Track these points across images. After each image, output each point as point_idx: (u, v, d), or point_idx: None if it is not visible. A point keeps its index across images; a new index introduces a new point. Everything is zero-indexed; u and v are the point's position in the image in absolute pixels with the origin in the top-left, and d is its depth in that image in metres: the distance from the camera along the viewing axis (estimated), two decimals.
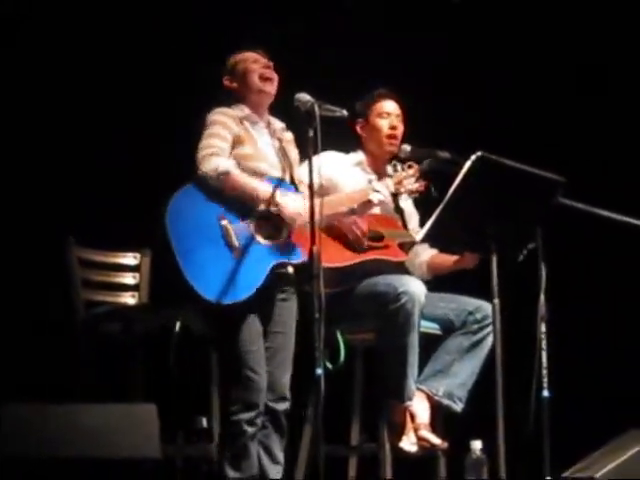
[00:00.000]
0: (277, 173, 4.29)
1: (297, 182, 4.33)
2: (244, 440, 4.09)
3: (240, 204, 4.17)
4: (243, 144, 4.26)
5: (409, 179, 4.52)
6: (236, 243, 4.11)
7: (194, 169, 4.12)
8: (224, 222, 4.13)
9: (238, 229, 4.14)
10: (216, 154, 4.14)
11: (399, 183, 4.50)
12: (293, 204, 4.20)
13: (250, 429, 4.09)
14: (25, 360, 5.30)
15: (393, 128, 4.84)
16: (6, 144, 5.65)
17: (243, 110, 4.36)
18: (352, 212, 4.46)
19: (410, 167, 4.56)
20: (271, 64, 4.39)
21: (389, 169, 4.62)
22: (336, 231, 4.58)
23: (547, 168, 4.24)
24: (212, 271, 4.06)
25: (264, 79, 4.36)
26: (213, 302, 4.03)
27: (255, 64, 4.37)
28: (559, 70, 6.01)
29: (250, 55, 4.41)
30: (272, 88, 4.36)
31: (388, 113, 4.86)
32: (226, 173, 4.10)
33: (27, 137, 5.70)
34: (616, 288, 5.76)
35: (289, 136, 4.46)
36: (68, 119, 5.75)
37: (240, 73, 4.38)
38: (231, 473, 4.08)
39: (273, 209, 4.17)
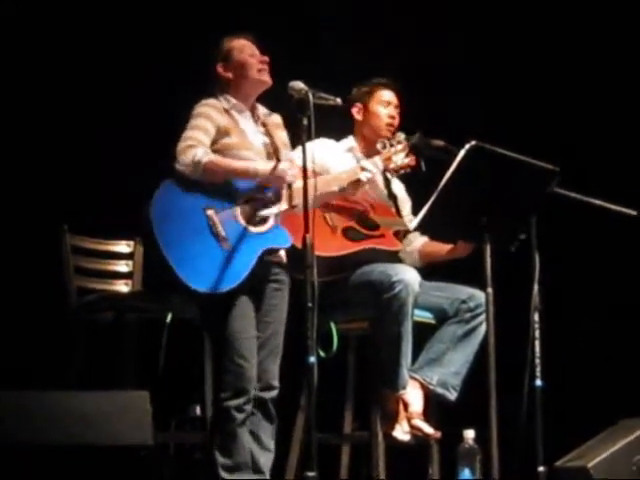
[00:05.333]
0: (262, 160, 4.27)
1: (284, 157, 4.31)
2: (233, 426, 4.09)
3: (224, 192, 4.16)
4: (229, 134, 4.24)
5: (398, 154, 4.53)
6: (223, 232, 4.10)
7: (173, 161, 4.11)
8: (209, 212, 4.12)
9: (224, 218, 4.13)
10: (194, 146, 4.11)
11: (388, 159, 4.51)
12: (281, 167, 4.18)
13: (239, 415, 4.08)
14: (18, 347, 5.31)
15: (392, 117, 4.85)
16: (2, 135, 5.65)
17: (229, 101, 4.35)
18: (342, 191, 4.46)
19: (399, 142, 4.56)
20: (267, 58, 4.37)
21: (378, 145, 4.60)
22: (345, 214, 4.61)
23: (541, 158, 4.22)
24: (201, 262, 4.05)
25: (260, 71, 4.35)
26: (204, 292, 4.03)
27: (252, 57, 4.36)
28: (552, 61, 6.00)
29: (245, 44, 4.39)
30: (269, 78, 4.35)
31: (388, 102, 4.88)
32: (202, 162, 4.08)
33: (24, 128, 5.70)
34: (609, 278, 5.77)
35: (276, 119, 4.45)
36: (64, 110, 5.74)
37: (236, 63, 4.35)
38: (220, 459, 4.08)
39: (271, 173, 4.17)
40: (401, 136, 4.65)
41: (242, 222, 4.16)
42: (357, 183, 4.44)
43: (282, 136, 4.41)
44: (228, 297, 4.08)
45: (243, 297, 4.13)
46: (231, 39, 4.40)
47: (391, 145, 4.55)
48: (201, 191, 4.13)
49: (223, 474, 4.06)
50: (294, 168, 4.10)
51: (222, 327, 4.10)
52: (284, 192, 4.19)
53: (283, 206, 4.19)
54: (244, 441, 4.12)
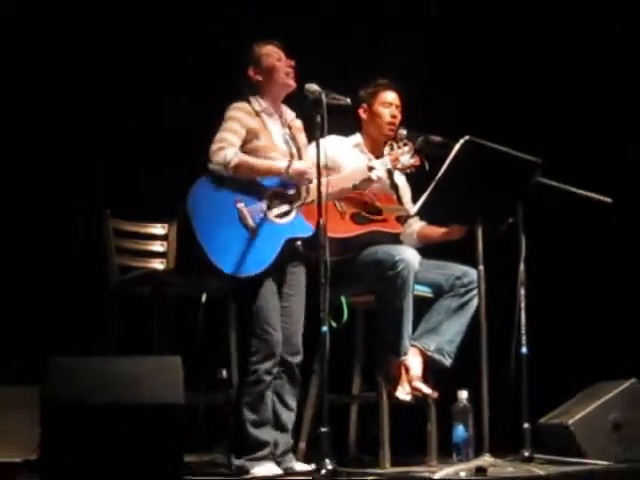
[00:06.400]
0: (285, 161, 4.26)
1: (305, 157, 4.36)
2: (262, 387, 4.12)
3: (253, 188, 4.19)
4: (258, 136, 4.27)
5: (405, 155, 4.52)
6: (251, 223, 4.13)
7: (207, 158, 4.13)
8: (240, 205, 4.14)
9: (252, 210, 4.16)
10: (225, 148, 4.14)
11: (396, 160, 4.51)
12: (302, 166, 4.22)
13: (267, 377, 4.12)
14: (67, 319, 5.32)
15: (393, 117, 4.84)
16: (58, 132, 5.66)
17: (261, 104, 4.35)
18: (355, 188, 4.47)
19: (405, 145, 4.56)
20: (293, 62, 4.38)
21: (386, 149, 4.60)
22: (353, 202, 4.63)
23: (527, 150, 4.23)
24: (231, 248, 4.07)
25: (287, 74, 4.36)
26: (232, 275, 4.05)
27: (280, 62, 4.37)
28: (537, 64, 5.98)
29: (273, 50, 4.39)
30: (293, 82, 4.36)
31: (390, 103, 4.86)
32: (234, 162, 4.11)
33: (75, 126, 5.68)
34: (587, 257, 5.76)
35: (298, 124, 4.47)
36: (112, 109, 5.71)
37: (266, 68, 4.36)
38: (249, 415, 4.10)
39: (290, 171, 4.19)
40: (403, 132, 4.66)
41: (268, 214, 4.19)
42: (368, 181, 4.45)
43: (303, 138, 4.43)
44: (255, 278, 4.10)
45: (268, 276, 4.15)
46: (261, 45, 4.42)
47: (398, 147, 4.54)
48: (232, 187, 4.16)
49: (250, 429, 4.09)
50: (313, 168, 4.10)
51: (251, 302, 4.13)
52: (303, 188, 4.23)
53: (302, 201, 4.24)
54: (269, 400, 4.15)
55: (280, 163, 4.22)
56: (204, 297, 4.71)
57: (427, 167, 4.51)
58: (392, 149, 4.56)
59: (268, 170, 4.21)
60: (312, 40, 5.64)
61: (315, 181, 4.07)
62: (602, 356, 5.25)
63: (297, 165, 4.23)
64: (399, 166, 4.54)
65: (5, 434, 4.67)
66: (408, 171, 4.61)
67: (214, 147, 4.15)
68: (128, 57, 5.80)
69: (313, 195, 4.15)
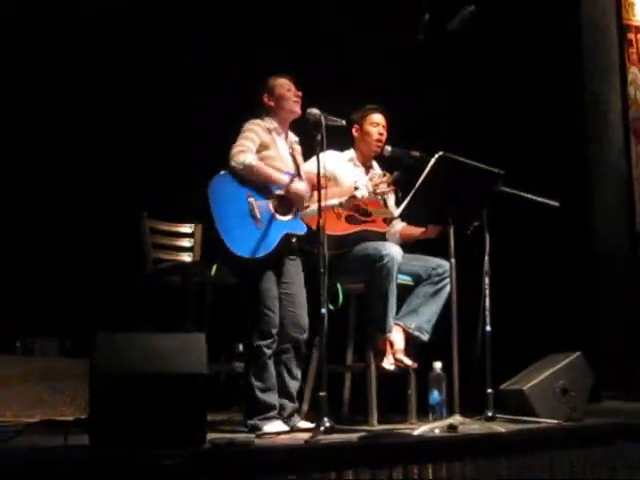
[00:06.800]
0: (289, 170, 4.31)
1: (303, 175, 4.36)
2: (264, 359, 4.13)
3: (263, 187, 4.19)
4: (268, 148, 4.29)
5: (382, 185, 4.54)
6: (258, 216, 4.14)
7: (227, 159, 4.14)
8: (251, 199, 4.15)
9: (261, 206, 4.17)
10: (244, 151, 4.16)
11: (376, 186, 4.53)
12: (301, 189, 4.24)
13: (268, 351, 4.13)
14: (113, 303, 5.33)
15: (380, 134, 4.84)
16: (108, 145, 5.69)
17: (272, 123, 4.38)
18: (340, 205, 4.50)
19: (384, 175, 4.59)
20: (300, 93, 4.40)
21: (369, 176, 4.66)
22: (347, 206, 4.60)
23: (492, 163, 4.24)
24: (240, 234, 4.07)
25: (295, 102, 4.38)
26: (240, 256, 4.04)
27: (289, 92, 4.39)
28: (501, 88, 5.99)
29: (285, 82, 4.41)
30: (299, 109, 4.37)
31: (377, 123, 4.86)
32: (250, 165, 4.14)
33: (123, 148, 5.73)
34: (540, 250, 5.77)
35: (298, 148, 4.49)
36: (147, 124, 5.76)
37: (277, 96, 4.38)
38: (256, 383, 4.11)
39: (290, 192, 4.20)
40: (388, 149, 4.70)
41: (272, 211, 4.20)
42: (352, 199, 4.48)
43: (300, 159, 4.45)
44: (257, 264, 4.10)
45: (268, 267, 4.16)
46: (275, 77, 4.43)
47: (379, 177, 4.58)
48: (246, 184, 4.17)
49: (258, 394, 4.11)
50: (308, 188, 4.18)
51: (254, 289, 4.14)
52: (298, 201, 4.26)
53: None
54: (272, 370, 4.16)
55: (284, 177, 4.23)
56: (213, 270, 4.65)
57: (400, 197, 4.53)
58: (373, 177, 4.60)
59: (277, 181, 4.23)
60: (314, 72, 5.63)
61: (315, 192, 4.10)
62: (552, 333, 5.24)
63: (296, 187, 4.24)
64: (377, 191, 4.54)
65: (62, 398, 4.72)
66: (381, 196, 4.61)
67: (236, 149, 4.17)
68: (169, 84, 5.85)
69: (312, 201, 4.19)
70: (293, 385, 4.26)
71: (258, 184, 4.19)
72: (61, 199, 5.68)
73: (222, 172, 4.15)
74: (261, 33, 6.04)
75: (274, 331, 4.15)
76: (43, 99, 5.62)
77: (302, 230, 4.26)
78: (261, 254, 4.08)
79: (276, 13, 6.09)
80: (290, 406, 4.24)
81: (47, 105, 5.63)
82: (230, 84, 5.76)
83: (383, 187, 4.54)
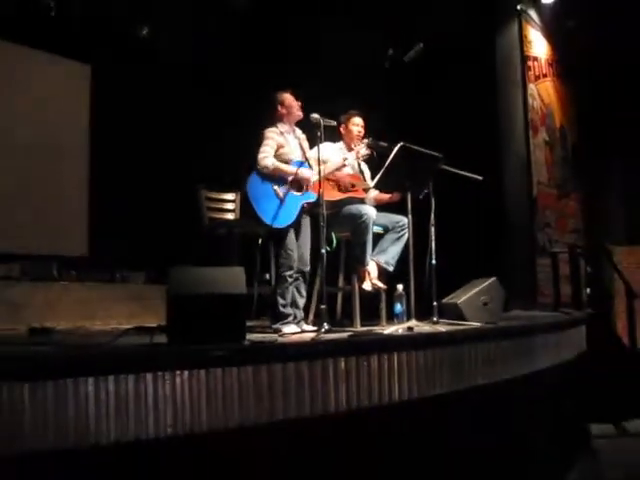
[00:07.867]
0: (298, 158, 4.26)
1: (308, 159, 4.30)
2: (287, 284, 4.14)
3: (281, 178, 4.17)
4: (283, 147, 4.24)
5: (362, 150, 4.52)
6: (281, 195, 4.12)
7: (256, 162, 4.11)
8: (275, 187, 4.14)
9: (282, 188, 4.15)
10: (266, 157, 4.12)
11: (357, 153, 4.51)
12: (307, 173, 4.19)
13: (290, 279, 4.14)
14: (182, 248, 5.25)
15: (360, 132, 4.76)
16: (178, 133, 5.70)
17: (284, 126, 4.32)
18: (336, 169, 4.47)
19: (361, 144, 4.55)
20: (300, 103, 4.35)
21: (352, 146, 4.63)
22: (338, 181, 4.55)
23: (435, 149, 4.20)
24: (271, 209, 4.08)
25: (299, 109, 4.33)
26: (271, 225, 4.05)
27: (294, 102, 4.33)
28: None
29: (289, 96, 4.35)
30: (302, 114, 4.32)
31: (357, 124, 4.77)
32: (271, 166, 4.11)
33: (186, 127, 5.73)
34: (469, 209, 5.70)
35: (303, 136, 4.43)
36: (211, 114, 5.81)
37: (287, 106, 4.33)
38: (281, 300, 4.13)
39: (298, 175, 4.17)
40: (365, 140, 4.62)
41: (290, 190, 4.17)
42: (343, 165, 4.47)
43: (306, 145, 4.39)
44: (284, 228, 4.11)
45: (291, 227, 4.15)
46: (281, 93, 4.36)
47: (358, 145, 4.55)
48: (270, 178, 4.14)
49: (281, 308, 4.12)
50: (313, 176, 4.14)
51: (282, 239, 4.15)
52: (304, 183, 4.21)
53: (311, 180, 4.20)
54: (290, 292, 4.16)
55: (293, 168, 4.19)
56: (260, 241, 4.63)
57: (375, 156, 4.49)
58: (355, 147, 4.56)
59: (287, 171, 4.19)
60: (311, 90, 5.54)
61: (314, 177, 4.10)
62: (477, 265, 5.18)
63: (303, 171, 4.19)
64: (359, 155, 4.51)
65: (148, 312, 4.72)
66: (365, 157, 4.56)
67: (260, 156, 4.12)
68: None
69: (314, 178, 4.16)
70: (301, 301, 4.27)
71: (277, 177, 4.16)
72: (149, 176, 5.68)
73: (254, 172, 4.12)
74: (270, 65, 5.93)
75: (294, 265, 4.15)
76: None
77: (312, 198, 4.21)
78: (288, 223, 4.10)
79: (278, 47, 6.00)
80: (299, 315, 4.25)
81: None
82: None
83: (362, 151, 4.51)
